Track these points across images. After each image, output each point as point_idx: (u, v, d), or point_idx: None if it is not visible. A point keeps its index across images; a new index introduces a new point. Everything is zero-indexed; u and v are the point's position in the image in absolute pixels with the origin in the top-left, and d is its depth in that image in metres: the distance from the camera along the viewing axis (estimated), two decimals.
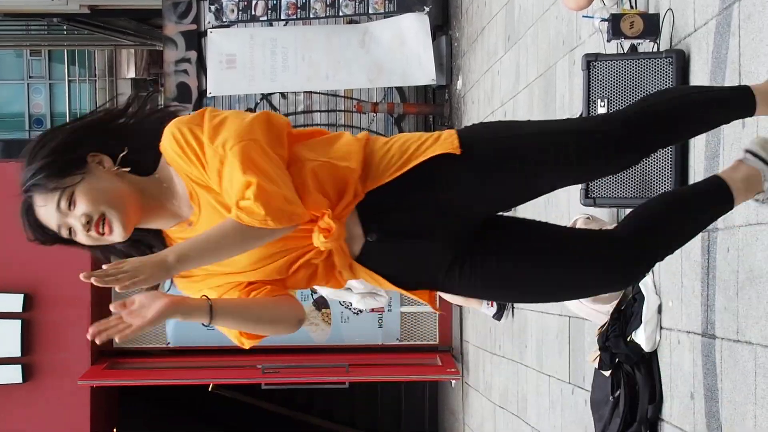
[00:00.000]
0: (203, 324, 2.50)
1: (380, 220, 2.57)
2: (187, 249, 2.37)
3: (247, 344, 2.65)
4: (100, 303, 9.59)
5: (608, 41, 3.99)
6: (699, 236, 3.52)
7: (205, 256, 2.40)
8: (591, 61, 3.91)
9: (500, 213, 2.73)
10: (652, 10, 4.01)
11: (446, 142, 2.58)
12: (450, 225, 2.61)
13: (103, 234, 2.47)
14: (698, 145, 3.56)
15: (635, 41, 3.93)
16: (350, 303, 6.88)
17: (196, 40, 10.42)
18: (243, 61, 9.62)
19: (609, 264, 2.64)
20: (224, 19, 9.73)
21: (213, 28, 9.84)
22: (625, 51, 4.03)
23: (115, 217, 2.46)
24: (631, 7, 4.14)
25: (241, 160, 2.40)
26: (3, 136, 21.24)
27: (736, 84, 3.19)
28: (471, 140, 2.59)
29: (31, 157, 2.47)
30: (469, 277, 2.63)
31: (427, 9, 9.17)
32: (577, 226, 4.42)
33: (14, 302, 9.30)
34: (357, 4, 9.38)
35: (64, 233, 2.48)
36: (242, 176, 2.38)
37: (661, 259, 2.75)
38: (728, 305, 3.28)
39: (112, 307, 2.29)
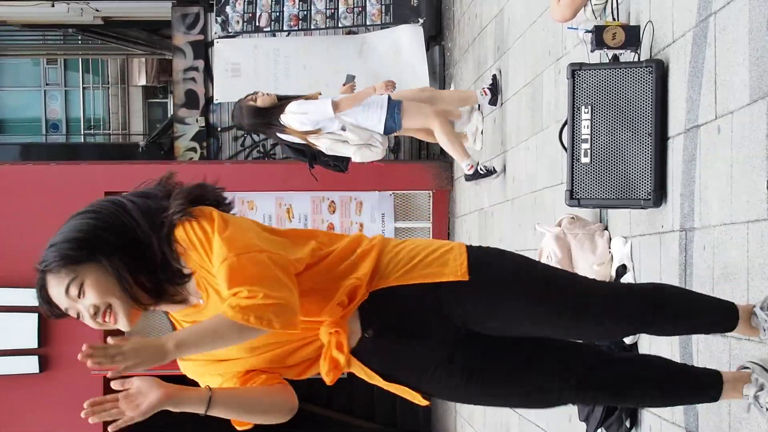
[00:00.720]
0: (199, 413, 2.45)
1: (379, 318, 2.55)
2: (185, 337, 2.35)
3: (239, 428, 2.62)
4: None
5: (592, 51, 3.99)
6: (677, 235, 3.53)
7: (202, 344, 2.38)
8: (576, 70, 3.91)
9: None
10: (633, 22, 4.02)
11: (455, 265, 2.54)
12: (440, 333, 2.58)
13: (108, 322, 2.46)
14: (676, 148, 3.56)
15: (617, 51, 3.94)
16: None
17: (203, 49, 10.42)
18: (247, 69, 9.63)
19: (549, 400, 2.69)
20: (230, 30, 9.72)
21: (219, 38, 9.83)
22: (608, 61, 4.04)
23: (121, 309, 2.44)
24: (614, 19, 4.15)
25: (238, 268, 2.36)
26: (21, 140, 21.20)
27: (713, 96, 3.20)
28: (480, 267, 2.56)
29: (59, 235, 2.48)
30: (449, 385, 2.63)
31: (421, 21, 9.17)
32: (562, 226, 4.42)
33: (32, 297, 9.29)
34: (355, 15, 9.38)
35: (72, 314, 2.47)
36: (232, 286, 2.35)
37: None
38: None
39: (109, 339, 2.27)
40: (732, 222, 3.06)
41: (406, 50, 9.20)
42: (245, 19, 9.60)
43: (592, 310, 2.61)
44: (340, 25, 9.40)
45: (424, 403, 2.69)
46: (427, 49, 9.36)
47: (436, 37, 9.83)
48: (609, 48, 3.89)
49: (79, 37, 17.69)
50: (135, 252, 2.43)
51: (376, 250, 2.57)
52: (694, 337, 3.37)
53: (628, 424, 3.97)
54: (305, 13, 9.43)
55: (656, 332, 2.95)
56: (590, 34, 3.90)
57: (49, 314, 2.50)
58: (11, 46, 20.75)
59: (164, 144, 12.26)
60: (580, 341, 2.75)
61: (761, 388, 2.71)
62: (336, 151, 6.64)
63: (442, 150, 7.63)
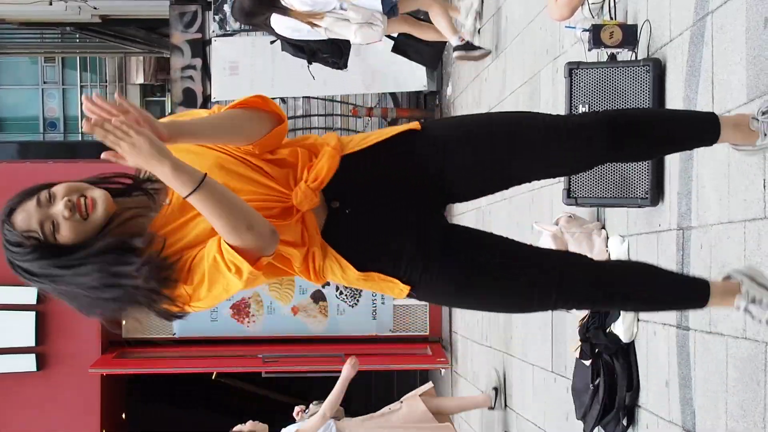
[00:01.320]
0: (184, 197, 2.25)
1: (342, 187, 2.50)
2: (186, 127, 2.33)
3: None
4: None
5: (589, 50, 3.99)
6: (675, 234, 3.53)
7: (203, 137, 2.39)
8: (573, 69, 3.91)
9: (465, 225, 2.67)
10: (630, 21, 4.02)
11: (408, 125, 2.58)
12: (412, 195, 2.53)
13: (87, 215, 2.34)
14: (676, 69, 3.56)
15: (615, 50, 3.93)
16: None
17: (201, 48, 10.40)
18: (245, 67, 9.62)
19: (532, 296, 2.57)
20: (228, 29, 9.72)
21: (217, 36, 9.83)
22: (606, 59, 4.04)
23: (96, 193, 2.36)
24: (611, 18, 4.15)
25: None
26: (18, 138, 21.18)
27: (711, 95, 3.20)
28: (430, 122, 2.64)
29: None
30: (432, 272, 2.51)
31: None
32: (560, 225, 4.42)
33: (29, 295, 9.28)
34: None
35: (48, 229, 2.33)
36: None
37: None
38: None
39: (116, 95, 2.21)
40: (729, 221, 3.06)
41: None
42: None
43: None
44: None
45: (403, 294, 2.54)
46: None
47: None
48: (606, 47, 3.89)
49: (77, 36, 17.70)
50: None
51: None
52: (691, 335, 3.37)
53: (625, 422, 3.97)
54: None
55: (630, 156, 2.88)
56: (588, 33, 3.90)
57: (19, 249, 2.35)
58: (9, 45, 20.74)
59: None
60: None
61: (752, 300, 2.67)
62: (336, 33, 6.50)
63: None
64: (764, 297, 2.66)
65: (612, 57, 4.00)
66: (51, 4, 12.88)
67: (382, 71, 9.24)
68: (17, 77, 24.20)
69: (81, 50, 21.73)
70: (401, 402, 6.78)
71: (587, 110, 3.85)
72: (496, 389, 6.76)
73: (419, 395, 6.74)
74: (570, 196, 4.00)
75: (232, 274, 2.33)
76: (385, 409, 6.79)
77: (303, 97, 10.01)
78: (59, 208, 2.33)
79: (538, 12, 5.48)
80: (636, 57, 3.87)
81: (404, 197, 2.53)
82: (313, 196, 2.47)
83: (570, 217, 4.45)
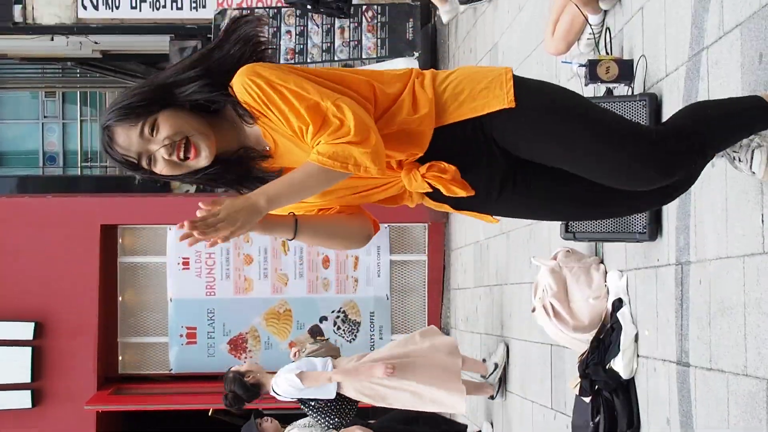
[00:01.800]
0: (287, 239, 2.48)
1: (437, 158, 2.47)
2: (276, 190, 2.32)
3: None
4: (107, 332, 9.54)
5: (586, 85, 3.98)
6: (673, 269, 3.50)
7: (293, 195, 2.36)
8: None
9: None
10: (626, 56, 4.02)
11: (501, 95, 2.46)
12: (495, 158, 2.50)
13: (187, 158, 2.38)
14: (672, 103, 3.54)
15: (611, 85, 3.93)
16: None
17: None
18: None
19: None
20: None
21: None
22: (602, 94, 4.03)
23: (201, 139, 2.38)
24: (607, 53, 4.15)
25: (318, 111, 2.33)
26: (18, 172, 21.20)
27: None
28: (525, 96, 2.47)
29: (115, 101, 2.41)
30: (517, 194, 2.55)
31: (416, 54, 9.20)
32: (558, 259, 4.39)
33: (25, 330, 9.25)
34: (351, 49, 9.41)
35: (144, 162, 2.39)
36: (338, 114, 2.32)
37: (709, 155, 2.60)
38: (701, 335, 3.25)
39: (201, 204, 2.26)
40: (728, 256, 3.03)
41: None
42: None
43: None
44: (336, 58, 9.42)
45: (495, 221, 2.68)
46: None
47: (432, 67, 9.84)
48: (603, 82, 3.88)
49: (78, 71, 17.74)
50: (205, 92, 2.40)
51: (430, 89, 2.50)
52: (691, 372, 3.33)
53: None
54: (302, 47, 9.45)
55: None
56: (584, 68, 3.90)
57: (121, 164, 2.41)
58: (10, 80, 20.79)
59: None
60: None
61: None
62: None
63: None
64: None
65: (609, 92, 4.00)
66: (53, 39, 12.90)
67: None
68: (18, 112, 24.25)
69: (81, 85, 21.76)
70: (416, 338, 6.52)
71: None
72: (498, 373, 6.62)
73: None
74: (568, 231, 3.98)
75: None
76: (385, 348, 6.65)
77: None
78: (159, 150, 2.37)
79: (535, 47, 5.48)
80: (632, 92, 3.86)
81: (489, 165, 2.51)
82: (425, 186, 2.48)
83: (568, 251, 4.42)
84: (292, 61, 9.53)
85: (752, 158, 2.69)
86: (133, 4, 11.02)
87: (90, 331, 9.31)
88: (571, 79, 4.60)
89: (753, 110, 2.62)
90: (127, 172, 2.47)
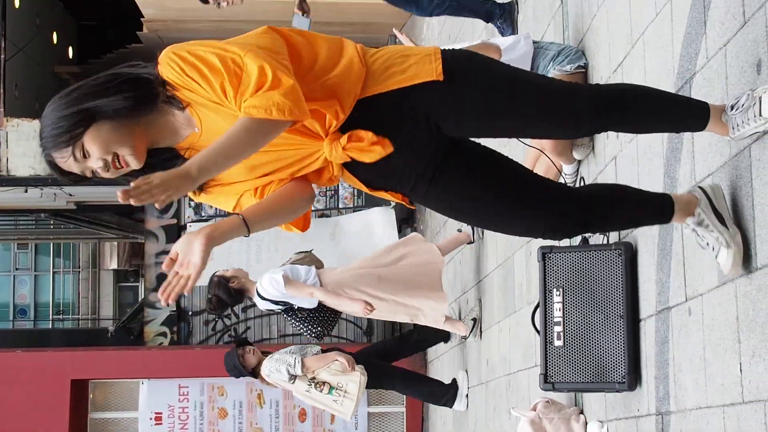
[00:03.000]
0: (244, 236, 2.60)
1: (363, 127, 2.62)
2: (206, 158, 2.43)
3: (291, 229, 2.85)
4: None
5: None
6: (653, 419, 3.49)
7: (223, 160, 2.46)
8: (546, 253, 3.96)
9: (472, 139, 2.82)
10: None
11: (430, 68, 2.63)
12: (421, 135, 2.66)
13: (121, 167, 2.56)
14: (648, 330, 3.57)
15: (587, 234, 3.99)
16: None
17: (176, 233, 10.49)
18: (220, 253, 9.64)
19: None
20: (203, 214, 9.84)
21: (192, 222, 9.93)
22: (578, 243, 4.09)
23: (126, 152, 2.54)
24: None
25: (255, 59, 2.47)
26: None
27: (683, 278, 3.23)
28: (453, 67, 2.64)
29: (43, 118, 2.58)
30: (435, 192, 2.73)
31: (393, 203, 9.32)
32: (537, 410, 4.37)
33: None
34: (328, 199, 9.53)
35: (89, 174, 2.58)
36: (259, 68, 2.45)
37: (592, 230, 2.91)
38: None
39: (164, 266, 2.44)
40: (708, 406, 3.03)
41: (379, 233, 9.32)
42: None
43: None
44: (313, 208, 9.53)
45: (411, 205, 2.83)
46: (399, 231, 9.47)
47: (407, 219, 9.97)
48: None
49: (52, 222, 17.79)
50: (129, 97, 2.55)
51: (359, 60, 2.65)
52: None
53: None
54: None
55: (624, 127, 3.01)
56: None
57: (70, 182, 2.62)
58: None
59: (134, 329, 12.17)
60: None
61: (700, 223, 2.81)
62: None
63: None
64: (711, 222, 2.78)
65: (585, 240, 4.06)
66: (26, 191, 13.02)
67: (356, 255, 9.32)
68: None
69: (55, 236, 21.82)
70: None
71: (561, 294, 3.88)
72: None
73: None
74: (547, 382, 3.98)
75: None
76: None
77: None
78: (97, 165, 2.54)
79: None
80: (608, 241, 3.92)
81: (410, 135, 2.66)
82: (346, 157, 2.63)
83: (548, 402, 4.40)
84: None
85: (718, 254, 2.79)
86: None
87: None
88: None
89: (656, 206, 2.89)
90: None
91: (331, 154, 2.63)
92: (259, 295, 6.18)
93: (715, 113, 2.79)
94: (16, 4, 14.60)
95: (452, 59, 2.66)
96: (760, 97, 2.63)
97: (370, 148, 2.61)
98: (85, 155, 2.53)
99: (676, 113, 2.84)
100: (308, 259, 6.59)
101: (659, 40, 3.48)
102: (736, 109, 2.73)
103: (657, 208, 2.90)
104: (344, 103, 2.60)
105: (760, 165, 2.68)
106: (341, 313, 6.43)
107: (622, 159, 3.88)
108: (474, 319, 6.61)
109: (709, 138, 3.01)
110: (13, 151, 11.42)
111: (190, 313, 10.60)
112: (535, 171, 4.61)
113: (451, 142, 2.74)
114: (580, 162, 4.44)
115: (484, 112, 2.68)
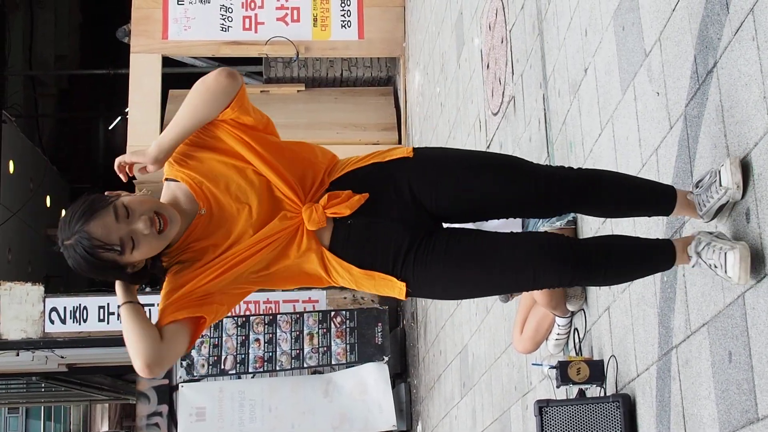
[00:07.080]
0: (118, 304, 2.65)
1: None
2: (163, 133, 2.67)
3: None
4: None
5: (557, 387, 3.98)
6: None
7: (179, 123, 2.64)
8: (543, 407, 3.87)
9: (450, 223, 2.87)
10: (596, 356, 4.04)
11: (402, 150, 2.80)
12: (405, 210, 2.74)
13: (163, 229, 2.58)
14: (646, 404, 3.47)
15: (583, 386, 3.93)
16: None
17: (167, 393, 10.33)
18: (212, 413, 9.50)
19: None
20: (195, 374, 9.69)
21: (184, 382, 9.78)
22: (575, 396, 4.02)
23: (165, 210, 2.62)
24: (577, 353, 4.18)
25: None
26: None
27: (683, 430, 3.16)
28: (424, 149, 2.82)
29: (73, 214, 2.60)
30: (422, 261, 2.71)
31: (386, 359, 9.23)
32: None
33: None
34: (320, 355, 9.43)
35: (128, 244, 2.54)
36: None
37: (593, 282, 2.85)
38: None
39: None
40: None
41: (372, 388, 9.20)
42: (210, 362, 9.61)
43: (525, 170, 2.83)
44: (305, 365, 9.43)
45: (402, 293, 2.74)
46: (393, 387, 9.34)
47: (401, 374, 9.85)
48: (575, 383, 3.88)
49: (43, 385, 17.54)
50: None
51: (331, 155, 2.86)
52: None
53: None
54: (270, 354, 9.47)
55: (594, 211, 2.99)
56: (555, 369, 3.91)
57: (105, 262, 2.55)
58: None
59: None
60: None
61: (700, 245, 2.74)
62: None
63: None
64: (711, 240, 2.71)
65: (581, 393, 3.99)
66: (18, 355, 12.86)
67: (350, 412, 9.17)
68: None
69: (46, 399, 21.48)
70: None
71: None
72: None
73: None
74: None
75: None
76: None
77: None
78: (140, 226, 2.55)
79: (504, 349, 5.52)
80: (605, 392, 3.85)
81: (398, 210, 2.75)
82: (325, 222, 2.71)
83: None
84: (261, 369, 9.52)
85: (726, 262, 2.67)
86: (101, 317, 11.08)
87: None
88: (543, 380, 4.60)
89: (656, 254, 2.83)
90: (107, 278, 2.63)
91: (310, 217, 2.69)
92: None
93: (681, 195, 2.87)
94: (11, 169, 14.78)
95: (424, 148, 2.85)
96: (718, 171, 2.71)
97: (348, 200, 2.70)
98: (128, 213, 2.56)
99: (643, 196, 2.89)
100: None
101: None
102: (700, 187, 2.80)
103: (659, 253, 2.85)
104: (324, 171, 2.79)
105: (754, 313, 2.65)
106: None
107: (615, 309, 3.85)
108: None
109: (701, 287, 2.99)
110: (6, 314, 11.33)
111: None
112: (528, 322, 4.58)
113: (434, 219, 2.80)
114: (573, 313, 4.41)
115: (452, 168, 2.78)
